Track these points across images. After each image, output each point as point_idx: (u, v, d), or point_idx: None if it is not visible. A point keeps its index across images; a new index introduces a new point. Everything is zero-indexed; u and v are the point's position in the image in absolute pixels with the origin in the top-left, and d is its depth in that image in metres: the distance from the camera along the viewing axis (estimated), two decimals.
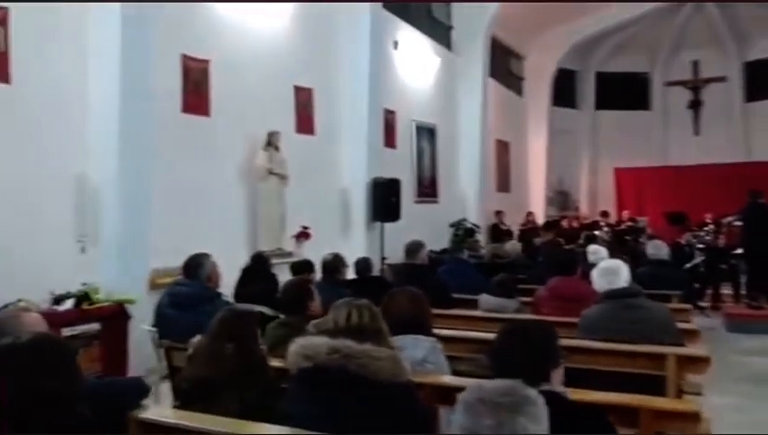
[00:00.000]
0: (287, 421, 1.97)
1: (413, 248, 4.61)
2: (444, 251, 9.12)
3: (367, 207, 8.32)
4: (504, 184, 13.83)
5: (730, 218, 9.38)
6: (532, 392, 1.35)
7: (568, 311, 3.85)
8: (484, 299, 4.31)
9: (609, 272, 3.35)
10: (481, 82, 11.73)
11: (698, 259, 9.63)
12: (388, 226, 8.45)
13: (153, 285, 5.54)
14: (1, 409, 1.34)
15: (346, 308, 2.06)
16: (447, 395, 2.56)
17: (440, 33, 11.29)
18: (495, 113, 13.06)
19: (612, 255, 5.45)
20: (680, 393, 3.28)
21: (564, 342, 3.12)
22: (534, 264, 6.55)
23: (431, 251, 8.05)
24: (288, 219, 7.24)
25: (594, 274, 3.43)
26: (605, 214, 12.94)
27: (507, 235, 11.39)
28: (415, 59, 10.12)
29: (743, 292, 8.94)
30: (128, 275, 5.34)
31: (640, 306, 3.21)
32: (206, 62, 6.37)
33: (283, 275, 6.19)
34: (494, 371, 1.97)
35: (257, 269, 5.61)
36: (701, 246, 10.15)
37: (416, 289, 2.72)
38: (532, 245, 9.14)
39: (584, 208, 15.57)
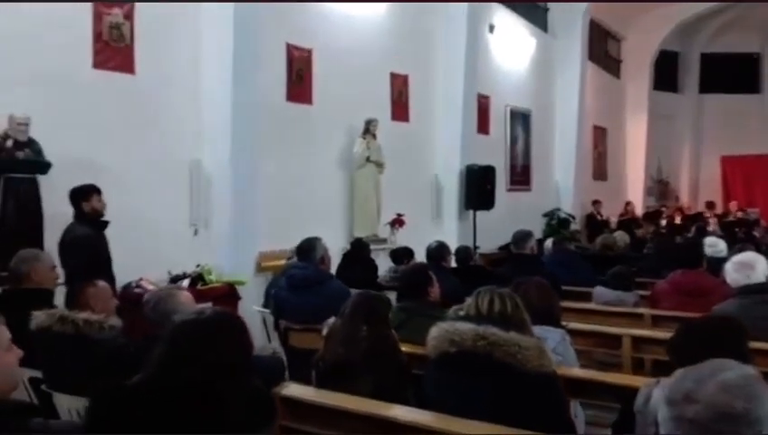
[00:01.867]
0: (425, 406, 1.98)
1: (521, 237, 4.51)
2: (539, 242, 8.89)
3: (459, 195, 8.24)
4: (600, 172, 13.28)
5: None
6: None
7: (690, 305, 3.64)
8: (600, 292, 4.15)
9: (746, 266, 3.13)
10: (579, 66, 11.29)
11: None
12: (480, 214, 8.33)
13: (260, 268, 5.77)
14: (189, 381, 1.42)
15: (489, 295, 2.04)
16: (576, 387, 2.50)
17: (537, 15, 10.95)
18: (593, 98, 12.54)
19: (737, 248, 5.13)
20: None
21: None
22: (643, 256, 6.26)
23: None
24: (382, 206, 7.30)
25: (728, 267, 3.22)
26: (711, 205, 12.16)
27: (605, 225, 10.97)
28: (511, 42, 9.87)
29: None
30: (237, 258, 5.58)
31: None
32: (308, 50, 6.50)
33: (380, 261, 6.30)
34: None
35: (357, 255, 5.71)
36: None
37: (542, 279, 2.65)
38: (634, 236, 8.73)
39: (684, 199, 14.70)
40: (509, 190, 10.03)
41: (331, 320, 2.45)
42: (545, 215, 10.86)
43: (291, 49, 6.35)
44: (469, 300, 2.08)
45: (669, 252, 4.32)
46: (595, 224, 11.17)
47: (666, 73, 15.19)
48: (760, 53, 15.45)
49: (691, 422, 1.15)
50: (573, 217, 11.05)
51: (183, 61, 5.49)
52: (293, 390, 2.09)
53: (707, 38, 15.28)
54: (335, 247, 6.08)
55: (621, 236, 6.53)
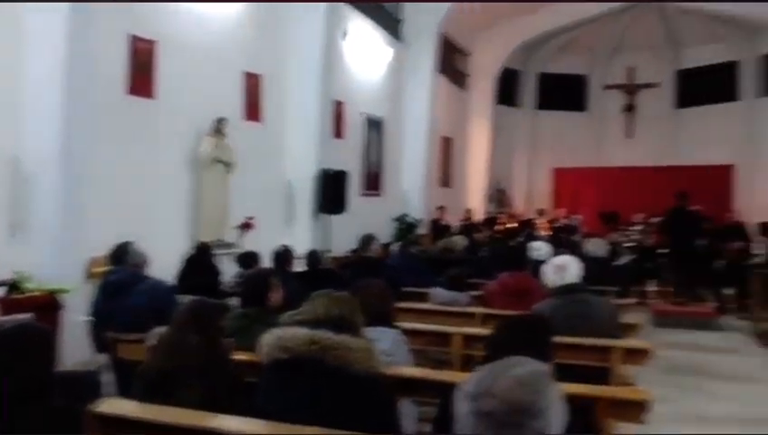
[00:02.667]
0: (258, 415, 1.95)
1: (365, 241, 4.63)
2: (387, 245, 9.19)
3: (313, 199, 8.26)
4: (445, 180, 14.04)
5: (658, 219, 9.89)
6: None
7: (515, 305, 3.97)
8: (436, 293, 4.38)
9: (561, 268, 3.48)
10: (429, 77, 11.84)
11: (627, 258, 10.12)
12: (335, 218, 8.42)
13: (91, 275, 5.32)
14: None
15: (324, 299, 2.06)
16: (407, 386, 2.61)
17: (391, 24, 11.31)
18: (441, 109, 13.23)
19: (557, 252, 5.68)
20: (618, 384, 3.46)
21: None
22: (479, 259, 6.70)
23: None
24: (232, 209, 7.10)
25: (546, 269, 3.55)
26: (541, 212, 13.37)
27: (447, 230, 11.60)
28: (365, 49, 10.10)
29: (668, 289, 9.45)
30: (62, 264, 5.09)
31: (588, 301, 3.36)
32: (153, 42, 6.13)
33: (227, 266, 6.12)
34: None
35: (199, 260, 5.51)
36: (630, 244, 10.69)
37: (382, 282, 2.74)
38: (473, 240, 9.33)
39: (520, 206, 16.01)
40: (363, 195, 10.25)
41: (158, 330, 2.33)
42: (395, 219, 11.25)
43: (133, 40, 5.96)
44: (306, 304, 2.09)
45: (500, 255, 4.67)
46: (439, 228, 11.76)
47: (507, 89, 16.46)
48: (587, 75, 17.29)
49: (488, 415, 1.25)
50: (419, 222, 11.55)
51: None
52: (110, 406, 1.94)
53: (544, 59, 16.83)
54: (179, 252, 5.81)
55: (460, 240, 6.95)
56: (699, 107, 15.95)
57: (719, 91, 15.77)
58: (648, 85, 16.54)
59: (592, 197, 14.57)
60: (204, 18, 6.85)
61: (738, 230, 10.73)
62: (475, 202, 15.06)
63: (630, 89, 16.76)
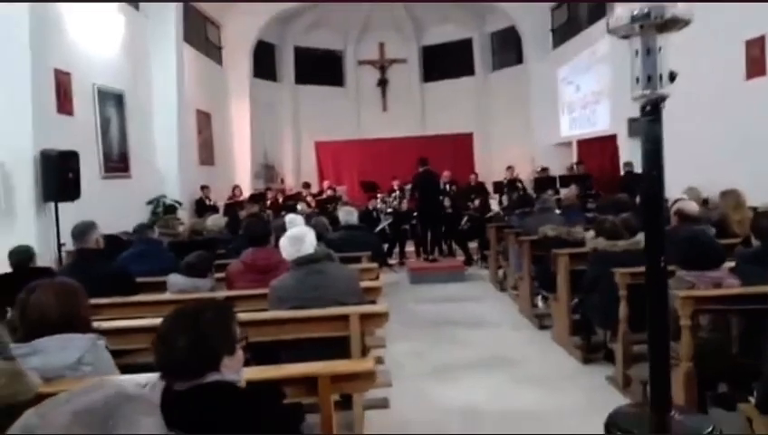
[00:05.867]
0: None
1: (82, 230, 3.97)
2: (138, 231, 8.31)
3: (36, 186, 7.04)
4: (208, 157, 13.28)
5: (410, 185, 10.53)
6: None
7: (261, 283, 3.75)
8: (173, 280, 3.95)
9: (297, 239, 3.32)
10: (175, 48, 10.92)
11: (386, 222, 10.65)
12: (69, 207, 7.29)
13: None
14: None
15: None
16: None
17: None
18: (195, 82, 12.38)
19: (316, 222, 5.60)
20: (365, 349, 3.45)
21: (247, 316, 3.02)
22: (237, 237, 6.35)
23: (125, 232, 7.28)
24: None
25: (282, 242, 3.37)
26: (307, 185, 13.42)
27: (212, 210, 11.01)
28: (93, 16, 8.87)
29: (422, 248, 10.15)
30: None
31: (326, 271, 3.26)
32: None
33: None
34: (157, 363, 1.70)
35: None
36: (389, 210, 11.27)
37: (67, 280, 2.27)
38: (237, 219, 8.93)
39: (289, 181, 15.95)
40: (104, 178, 9.11)
41: None
42: (149, 202, 10.29)
43: None
44: None
45: (252, 232, 4.38)
46: (203, 208, 11.14)
47: (265, 63, 16.10)
48: (342, 51, 17.70)
49: None
50: (181, 203, 10.76)
51: None
52: None
53: (300, 33, 16.78)
54: None
55: (214, 220, 6.52)
56: (442, 81, 17.42)
57: (458, 66, 17.40)
58: (396, 61, 17.55)
59: (354, 168, 15.06)
60: None
61: (479, 190, 11.99)
62: (244, 179, 14.57)
63: (382, 64, 17.63)
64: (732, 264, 3.82)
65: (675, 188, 6.15)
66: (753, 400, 2.80)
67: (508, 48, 16.66)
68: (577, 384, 4.58)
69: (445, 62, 17.49)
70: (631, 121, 11.24)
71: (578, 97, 14.07)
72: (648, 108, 1.98)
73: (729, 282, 3.49)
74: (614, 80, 11.99)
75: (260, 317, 3.10)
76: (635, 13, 1.90)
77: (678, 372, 3.31)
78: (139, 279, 4.29)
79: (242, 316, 2.97)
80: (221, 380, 1.71)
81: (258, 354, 3.57)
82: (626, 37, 1.99)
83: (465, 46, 17.39)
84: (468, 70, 17.40)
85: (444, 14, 16.69)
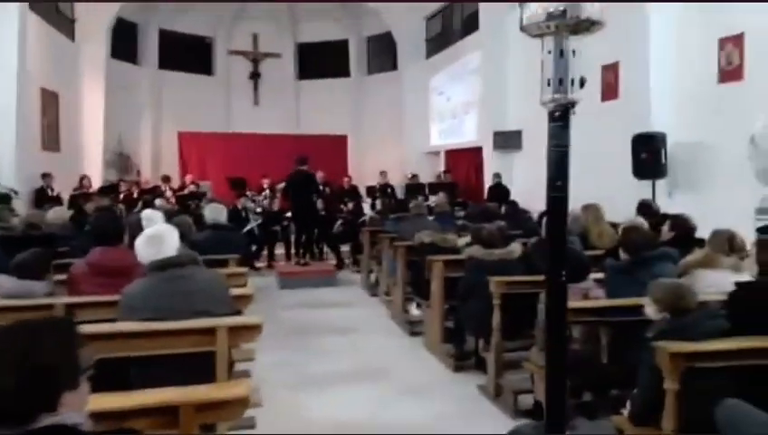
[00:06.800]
0: None
1: None
2: None
3: None
4: (52, 142, 11.82)
5: (283, 184, 10.11)
6: None
7: (110, 288, 3.23)
8: (1, 283, 3.30)
9: (156, 240, 2.88)
10: (17, 14, 9.59)
11: (254, 222, 10.15)
12: None
13: None
14: None
15: None
16: None
17: None
18: (39, 58, 10.97)
19: (169, 220, 5.05)
20: (232, 364, 3.09)
21: (91, 328, 2.55)
22: (82, 234, 5.60)
23: None
24: None
25: (138, 243, 2.90)
26: (167, 179, 12.45)
27: (55, 201, 9.79)
28: None
29: (293, 251, 9.77)
30: None
31: (190, 277, 2.84)
32: None
33: None
34: None
35: None
36: (259, 209, 10.76)
37: None
38: (83, 212, 7.97)
39: (146, 173, 14.73)
40: None
41: None
42: None
43: None
44: None
45: (100, 228, 3.80)
46: (44, 199, 9.87)
47: (125, 43, 14.79)
48: (212, 38, 16.76)
49: None
50: (16, 192, 9.44)
51: None
52: None
53: (166, 15, 15.61)
54: None
55: (56, 213, 5.72)
56: (318, 80, 17.14)
57: (334, 66, 17.22)
58: (270, 55, 16.98)
59: (220, 163, 14.25)
60: None
61: (352, 193, 11.86)
62: (94, 169, 13.18)
63: (255, 56, 16.96)
64: (598, 275, 3.96)
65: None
66: (625, 412, 2.84)
67: (384, 53, 16.79)
68: (449, 393, 4.52)
69: (320, 61, 17.22)
70: (496, 135, 11.77)
71: (448, 107, 14.48)
72: (558, 113, 1.87)
73: (596, 292, 3.59)
74: (483, 92, 12.48)
75: (106, 330, 2.62)
76: (551, 10, 1.78)
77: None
78: None
79: (84, 328, 2.48)
80: (59, 423, 1.33)
81: (104, 374, 3.08)
82: (539, 36, 1.87)
83: (341, 47, 17.25)
84: (344, 71, 17.29)
85: (321, 12, 16.42)
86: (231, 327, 2.68)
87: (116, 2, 13.44)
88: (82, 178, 11.61)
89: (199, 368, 2.81)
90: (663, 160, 7.62)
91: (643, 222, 4.37)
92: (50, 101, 11.66)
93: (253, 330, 2.77)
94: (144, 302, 2.78)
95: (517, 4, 1.89)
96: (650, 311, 2.76)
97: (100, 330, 2.60)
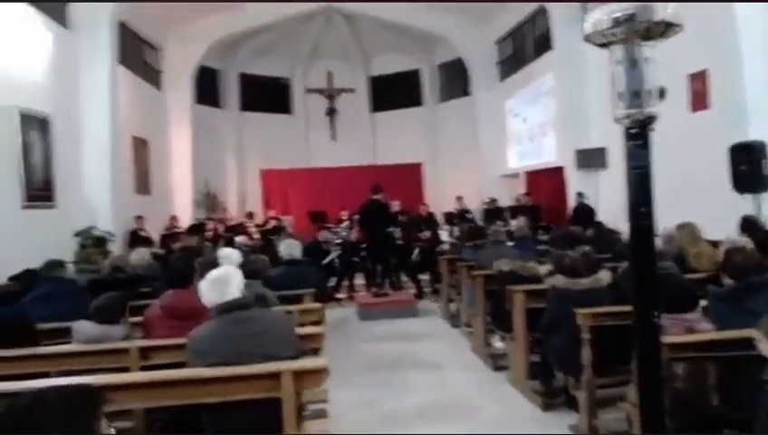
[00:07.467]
0: None
1: None
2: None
3: None
4: (143, 186, 12.53)
5: (359, 215, 10.10)
6: None
7: (180, 331, 3.22)
8: (80, 328, 3.39)
9: (220, 282, 2.84)
10: (109, 70, 10.28)
11: (334, 254, 10.17)
12: None
13: None
14: None
15: None
16: None
17: (52, 5, 9.46)
18: (131, 107, 11.72)
19: (247, 258, 5.09)
20: (302, 408, 2.98)
21: (158, 375, 2.52)
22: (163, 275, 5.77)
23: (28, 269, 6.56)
24: None
25: (202, 286, 2.88)
26: (250, 215, 12.84)
27: (147, 242, 10.30)
28: (16, 33, 8.21)
29: (372, 281, 9.68)
30: None
31: (255, 319, 2.78)
32: None
33: None
34: None
35: None
36: (338, 241, 10.80)
37: None
38: (171, 252, 8.30)
39: (233, 210, 15.28)
40: (26, 208, 8.33)
41: None
42: (77, 234, 9.50)
43: None
44: None
45: (175, 269, 3.86)
46: (138, 241, 10.40)
47: (207, 89, 15.54)
48: (290, 78, 17.33)
49: None
50: (112, 235, 10.00)
51: None
52: None
53: (245, 60, 16.33)
54: None
55: (139, 254, 5.92)
56: (391, 111, 17.27)
57: (406, 96, 17.30)
58: (344, 90, 17.31)
59: (301, 197, 14.54)
60: None
61: (429, 221, 11.69)
62: (183, 209, 13.82)
63: (330, 93, 17.35)
64: (703, 302, 3.56)
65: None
66: None
67: (455, 80, 16.67)
68: (539, 433, 4.20)
69: (393, 92, 17.37)
70: (578, 153, 11.27)
71: (525, 129, 14.10)
72: (634, 130, 1.64)
73: (703, 326, 3.20)
74: (560, 112, 12.05)
75: (172, 377, 2.59)
76: (617, 15, 1.58)
77: None
78: (43, 326, 3.68)
79: (150, 375, 2.45)
80: None
81: (176, 420, 3.05)
82: (605, 46, 1.67)
83: (413, 77, 17.35)
84: (416, 100, 17.34)
85: (391, 45, 16.60)
86: (296, 371, 2.57)
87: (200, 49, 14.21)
88: (172, 218, 12.18)
89: (270, 413, 2.72)
90: (765, 171, 6.95)
91: (748, 241, 3.94)
92: (140, 147, 12.39)
93: (319, 374, 2.65)
94: (211, 346, 2.74)
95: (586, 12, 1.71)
96: (765, 347, 2.39)
97: (165, 377, 2.57)
